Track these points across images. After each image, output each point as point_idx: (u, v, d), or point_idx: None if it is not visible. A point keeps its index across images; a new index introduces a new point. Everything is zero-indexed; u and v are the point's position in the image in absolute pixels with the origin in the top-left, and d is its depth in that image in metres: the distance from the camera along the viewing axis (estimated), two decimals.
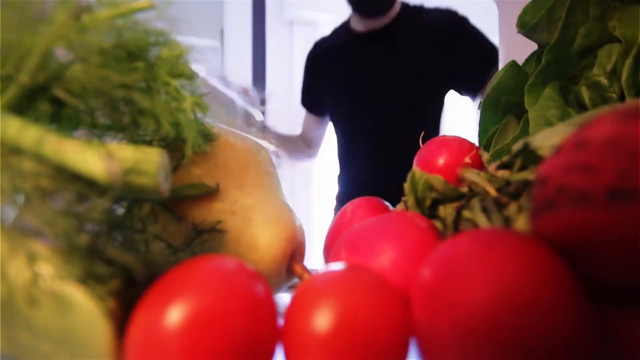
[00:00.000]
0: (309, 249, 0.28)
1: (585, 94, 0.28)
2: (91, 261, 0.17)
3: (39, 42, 0.19)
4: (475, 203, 0.22)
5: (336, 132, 1.05)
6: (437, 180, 0.24)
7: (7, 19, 0.19)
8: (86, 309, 0.16)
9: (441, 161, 0.28)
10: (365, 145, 0.95)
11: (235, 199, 0.25)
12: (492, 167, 0.24)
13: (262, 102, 2.38)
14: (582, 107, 0.29)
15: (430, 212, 0.24)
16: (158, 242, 0.23)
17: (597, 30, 0.28)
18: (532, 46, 0.34)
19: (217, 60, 2.59)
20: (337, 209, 0.99)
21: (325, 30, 0.92)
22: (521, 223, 0.19)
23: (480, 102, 0.35)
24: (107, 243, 0.19)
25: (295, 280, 0.27)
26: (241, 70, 2.43)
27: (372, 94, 0.93)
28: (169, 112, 0.21)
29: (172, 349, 0.14)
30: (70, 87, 0.19)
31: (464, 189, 0.24)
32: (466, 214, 0.22)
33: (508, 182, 0.22)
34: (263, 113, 2.38)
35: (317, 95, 1.08)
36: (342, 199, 0.98)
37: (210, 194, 0.25)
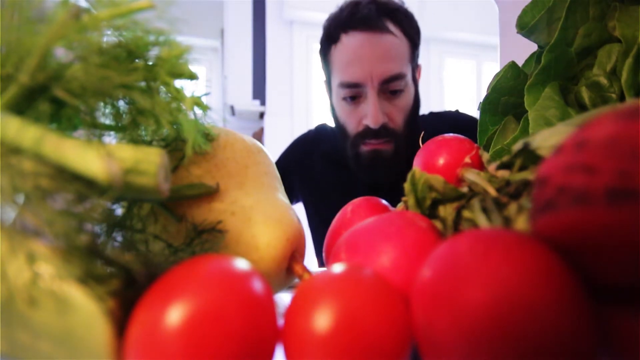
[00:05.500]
0: (309, 249, 0.28)
1: (585, 94, 0.28)
2: (91, 261, 0.17)
3: (39, 42, 0.19)
4: (475, 203, 0.22)
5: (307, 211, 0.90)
6: (437, 180, 0.24)
7: (7, 19, 0.19)
8: (86, 309, 0.16)
9: (441, 161, 0.28)
10: None
11: (235, 199, 0.25)
12: (492, 167, 0.24)
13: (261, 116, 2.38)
14: (582, 107, 0.29)
15: (430, 212, 0.24)
16: (158, 242, 0.23)
17: (597, 30, 0.28)
18: (532, 46, 0.34)
19: (217, 60, 2.59)
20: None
21: None
22: (521, 223, 0.19)
23: (480, 102, 0.35)
24: (107, 243, 0.19)
25: (295, 280, 0.27)
26: (241, 70, 2.43)
27: None
28: (169, 112, 0.21)
29: (172, 349, 0.14)
30: (70, 87, 0.19)
31: (464, 189, 0.24)
32: (466, 214, 0.22)
33: (508, 182, 0.22)
34: (262, 115, 2.39)
35: (289, 190, 0.88)
36: None
37: (210, 194, 0.25)
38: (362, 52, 0.69)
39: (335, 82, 0.74)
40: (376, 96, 0.69)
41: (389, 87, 0.70)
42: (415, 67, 0.76)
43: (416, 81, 0.77)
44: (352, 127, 0.73)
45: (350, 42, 0.70)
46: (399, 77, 0.69)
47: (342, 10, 0.73)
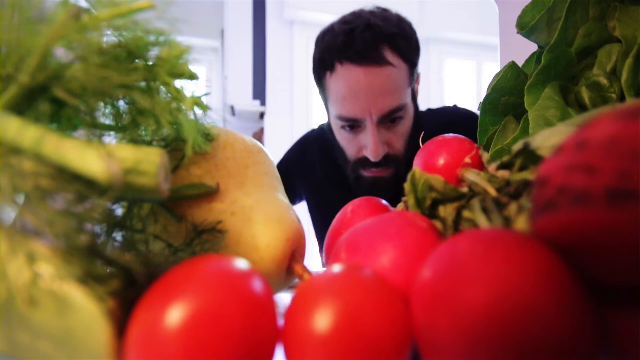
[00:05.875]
0: (309, 249, 0.28)
1: (585, 94, 0.28)
2: (91, 261, 0.17)
3: (39, 42, 0.19)
4: (475, 203, 0.22)
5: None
6: (437, 180, 0.24)
7: (7, 19, 0.19)
8: (86, 309, 0.16)
9: (441, 161, 0.28)
10: None
11: (235, 199, 0.25)
12: (492, 167, 0.24)
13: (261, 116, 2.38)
14: (582, 107, 0.29)
15: (430, 212, 0.24)
16: (158, 242, 0.23)
17: (597, 30, 0.28)
18: (532, 46, 0.34)
19: (217, 60, 2.59)
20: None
21: None
22: (521, 223, 0.19)
23: (480, 102, 0.35)
24: (107, 243, 0.19)
25: (296, 280, 0.27)
26: (241, 70, 2.43)
27: None
28: (169, 112, 0.21)
29: (172, 349, 0.14)
30: (70, 87, 0.19)
31: (464, 189, 0.24)
32: (466, 214, 0.22)
33: (508, 182, 0.22)
34: (262, 115, 2.39)
35: (291, 188, 0.89)
36: None
37: (210, 194, 0.25)
38: (358, 87, 0.65)
39: (332, 111, 0.71)
40: (375, 130, 0.67)
41: (389, 118, 0.68)
42: (414, 85, 0.73)
43: (415, 97, 0.74)
44: (351, 153, 0.72)
45: (346, 74, 0.67)
46: (399, 109, 0.67)
47: (335, 35, 0.68)
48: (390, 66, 0.66)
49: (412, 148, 0.72)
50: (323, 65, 0.70)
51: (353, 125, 0.69)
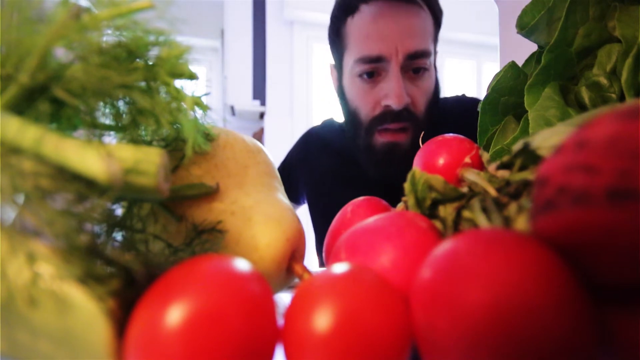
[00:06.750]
0: (309, 249, 0.28)
1: (585, 94, 0.28)
2: (91, 261, 0.17)
3: (39, 42, 0.19)
4: (475, 203, 0.22)
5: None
6: (437, 180, 0.24)
7: (7, 19, 0.19)
8: (86, 309, 0.16)
9: (441, 161, 0.28)
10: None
11: (235, 199, 0.25)
12: (492, 167, 0.24)
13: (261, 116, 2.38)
14: (582, 107, 0.29)
15: (430, 212, 0.24)
16: (158, 242, 0.23)
17: (597, 30, 0.28)
18: (532, 46, 0.34)
19: (217, 60, 2.59)
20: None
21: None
22: (521, 223, 0.19)
23: (480, 102, 0.35)
24: (107, 243, 0.19)
25: (296, 280, 0.27)
26: (241, 70, 2.43)
27: None
28: (169, 112, 0.21)
29: (172, 349, 0.14)
30: (70, 87, 0.19)
31: (464, 189, 0.24)
32: (466, 214, 0.22)
33: (508, 182, 0.22)
34: (262, 115, 2.39)
35: (295, 187, 0.87)
36: None
37: (210, 194, 0.25)
38: (385, 23, 0.61)
39: (350, 58, 0.65)
40: (399, 73, 0.61)
41: (413, 64, 0.62)
42: (436, 52, 0.70)
43: (436, 66, 0.70)
44: (367, 111, 0.65)
45: (371, 11, 0.62)
46: (425, 54, 0.62)
47: None
48: (418, 7, 0.63)
49: (431, 120, 0.66)
50: (345, 11, 0.66)
51: (373, 72, 0.63)
